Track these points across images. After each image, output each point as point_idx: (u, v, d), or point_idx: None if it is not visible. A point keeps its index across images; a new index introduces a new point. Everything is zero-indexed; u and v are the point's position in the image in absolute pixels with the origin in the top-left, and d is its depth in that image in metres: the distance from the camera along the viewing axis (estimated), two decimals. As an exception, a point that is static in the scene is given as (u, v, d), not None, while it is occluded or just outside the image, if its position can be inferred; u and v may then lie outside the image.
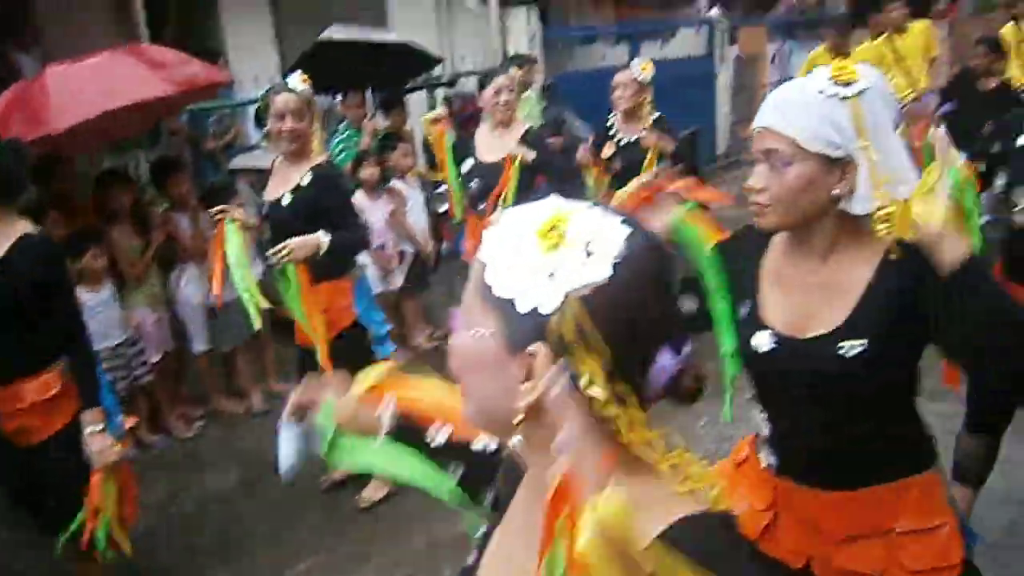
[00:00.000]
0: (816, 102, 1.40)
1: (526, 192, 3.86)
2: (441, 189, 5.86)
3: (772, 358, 1.52)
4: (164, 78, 4.08)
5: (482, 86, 4.05)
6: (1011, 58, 5.72)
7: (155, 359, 4.47)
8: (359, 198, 4.71)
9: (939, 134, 1.91)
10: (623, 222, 0.82)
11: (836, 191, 1.42)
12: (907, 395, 1.56)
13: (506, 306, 0.81)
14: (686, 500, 0.82)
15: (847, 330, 1.45)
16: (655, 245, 0.85)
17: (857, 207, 1.42)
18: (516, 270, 0.81)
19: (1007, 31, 6.16)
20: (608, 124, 4.51)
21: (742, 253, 1.63)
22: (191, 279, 4.60)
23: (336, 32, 5.55)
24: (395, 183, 5.26)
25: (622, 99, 4.34)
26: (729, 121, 10.64)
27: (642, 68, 4.34)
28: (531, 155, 3.89)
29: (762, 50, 11.12)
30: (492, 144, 4.04)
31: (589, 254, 0.79)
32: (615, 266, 0.79)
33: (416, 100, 7.40)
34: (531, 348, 0.80)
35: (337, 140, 5.70)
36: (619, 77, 4.37)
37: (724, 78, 10.81)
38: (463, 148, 4.24)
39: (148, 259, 4.44)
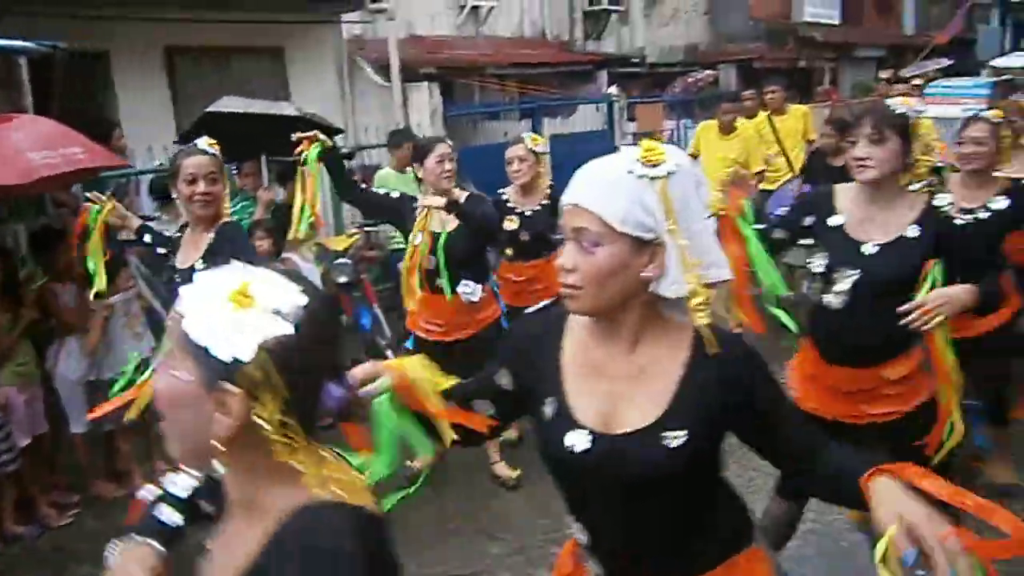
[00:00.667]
0: (625, 182, 1.36)
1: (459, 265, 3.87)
2: (341, 260, 5.80)
3: (588, 458, 1.42)
4: (24, 167, 3.83)
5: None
6: None
7: (24, 442, 4.17)
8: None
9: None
10: (301, 290, 1.05)
11: (646, 273, 1.37)
12: (717, 478, 1.55)
13: (202, 353, 1.00)
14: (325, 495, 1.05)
15: (668, 421, 1.39)
16: (326, 307, 1.09)
17: (668, 290, 1.38)
18: (211, 323, 1.00)
19: None
20: (504, 198, 4.52)
21: (537, 344, 1.53)
22: (70, 354, 4.36)
23: (227, 104, 5.49)
24: (290, 255, 5.16)
25: (520, 172, 4.35)
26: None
27: (533, 140, 4.39)
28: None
29: (659, 127, 11.56)
30: (443, 216, 3.84)
31: (276, 313, 1.01)
32: (296, 324, 1.02)
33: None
34: (226, 387, 1.00)
35: (232, 211, 5.57)
36: (513, 151, 4.38)
37: (624, 153, 11.16)
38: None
39: (15, 335, 4.18)
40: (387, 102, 8.79)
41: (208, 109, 5.48)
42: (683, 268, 1.36)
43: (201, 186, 3.07)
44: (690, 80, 13.67)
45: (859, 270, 2.46)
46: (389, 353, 5.63)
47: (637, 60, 14.78)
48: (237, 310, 1.00)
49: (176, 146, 6.47)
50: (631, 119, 11.45)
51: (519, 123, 10.54)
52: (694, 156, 6.71)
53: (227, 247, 3.05)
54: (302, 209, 3.67)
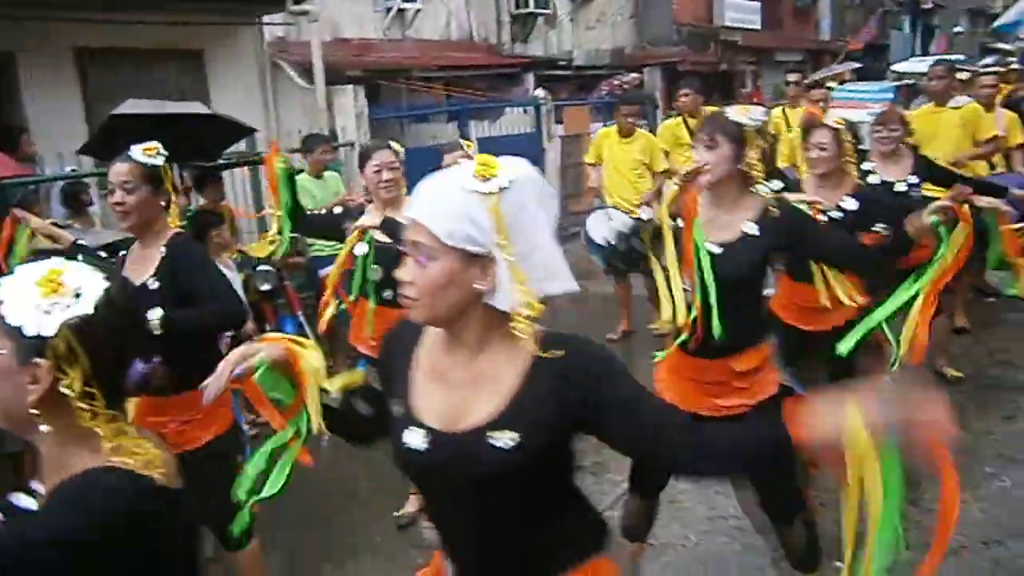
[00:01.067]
0: (457, 197, 1.39)
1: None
2: (263, 267, 5.68)
3: (427, 455, 1.48)
4: None
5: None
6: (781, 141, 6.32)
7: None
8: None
9: None
10: (104, 277, 1.27)
11: (478, 286, 1.41)
12: (563, 484, 1.56)
13: (16, 332, 1.22)
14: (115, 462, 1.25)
15: (499, 422, 1.43)
16: (126, 292, 1.35)
17: (501, 303, 1.42)
18: (22, 306, 1.21)
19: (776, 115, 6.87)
20: None
21: (399, 348, 1.60)
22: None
23: (132, 107, 5.31)
24: (221, 266, 5.03)
25: None
26: (560, 195, 11.05)
27: (468, 146, 4.34)
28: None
29: (586, 129, 11.67)
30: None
31: (78, 296, 1.23)
32: (96, 305, 1.24)
33: (236, 177, 7.22)
34: (36, 360, 1.21)
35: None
36: (450, 158, 4.23)
37: (552, 155, 11.24)
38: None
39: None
40: (311, 105, 8.67)
41: (113, 112, 5.28)
42: (514, 281, 1.40)
43: (116, 196, 2.82)
44: (615, 82, 13.84)
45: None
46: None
47: (564, 63, 14.89)
48: (45, 294, 1.22)
49: (77, 156, 6.27)
50: (559, 121, 11.54)
51: (447, 126, 10.52)
52: (593, 164, 6.73)
53: (183, 264, 2.81)
54: (280, 229, 3.59)
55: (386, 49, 12.12)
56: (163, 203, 2.90)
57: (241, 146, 6.92)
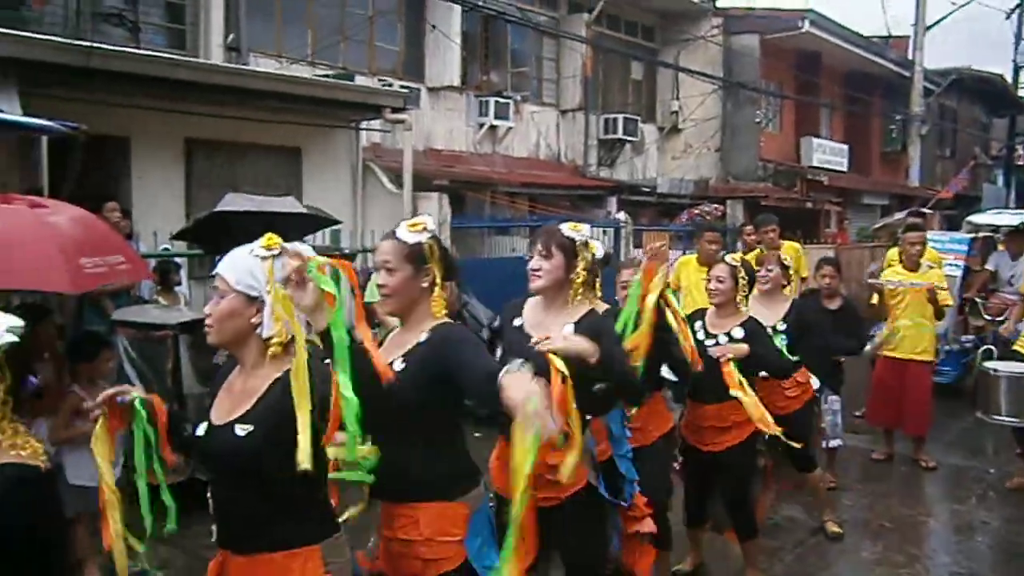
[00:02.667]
0: (248, 259, 2.03)
1: None
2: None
3: (204, 441, 2.08)
4: (75, 275, 3.57)
5: None
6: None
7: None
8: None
9: None
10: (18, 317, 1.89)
11: (254, 320, 2.03)
12: (290, 477, 1.90)
13: None
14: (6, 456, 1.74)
15: (243, 418, 2.01)
16: (26, 331, 1.95)
17: (265, 332, 2.03)
18: None
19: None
20: None
21: (226, 372, 2.19)
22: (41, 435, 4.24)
23: (231, 203, 5.53)
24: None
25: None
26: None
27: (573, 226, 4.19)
28: None
29: (664, 257, 11.66)
30: None
31: (9, 331, 1.79)
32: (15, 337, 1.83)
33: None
34: None
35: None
36: (627, 273, 3.96)
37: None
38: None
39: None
40: (397, 208, 8.92)
41: (216, 209, 5.48)
42: (274, 318, 2.01)
43: (381, 277, 2.51)
44: (696, 212, 13.91)
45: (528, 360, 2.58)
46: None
47: (648, 189, 15.11)
48: None
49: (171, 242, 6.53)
50: (637, 245, 11.58)
51: (526, 239, 10.66)
52: (675, 290, 6.64)
53: (441, 352, 2.40)
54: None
55: (475, 162, 12.53)
56: (424, 286, 2.50)
57: (326, 239, 7.12)
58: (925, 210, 13.80)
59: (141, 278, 4.89)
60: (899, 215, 13.88)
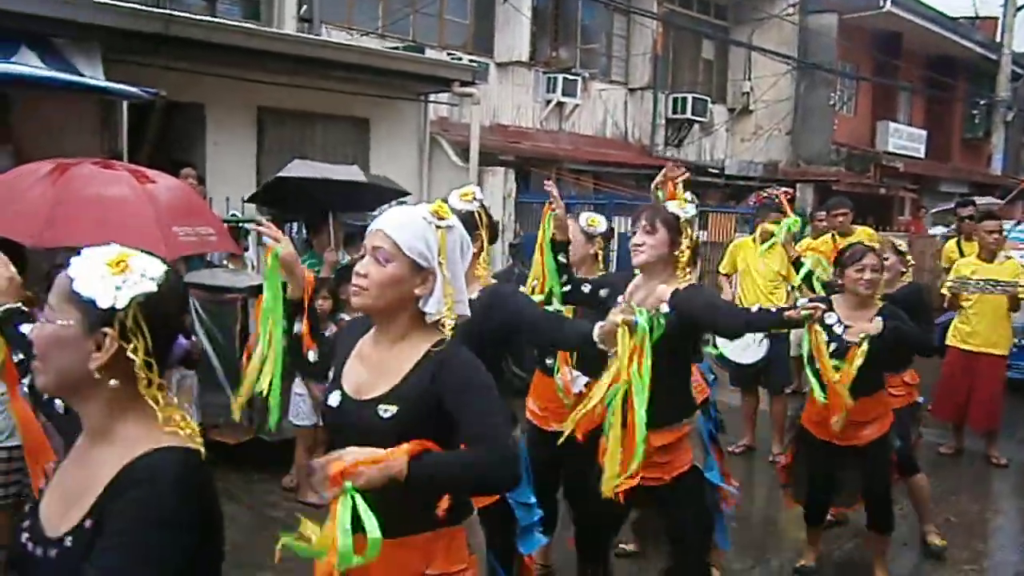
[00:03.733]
0: (418, 223, 1.85)
1: None
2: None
3: (337, 411, 1.91)
4: (172, 242, 3.74)
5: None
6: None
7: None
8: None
9: None
10: (163, 263, 1.38)
11: (417, 291, 1.84)
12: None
13: (87, 303, 1.31)
14: (171, 437, 1.35)
15: (386, 397, 1.83)
16: (179, 276, 1.46)
17: (430, 308, 1.85)
18: (95, 281, 1.32)
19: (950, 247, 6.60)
20: None
21: (352, 334, 2.03)
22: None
23: (296, 169, 5.62)
24: (346, 316, 5.17)
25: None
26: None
27: (590, 222, 3.89)
28: None
29: (731, 238, 11.47)
30: None
31: (143, 275, 1.34)
32: (159, 285, 1.34)
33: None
34: (104, 330, 1.31)
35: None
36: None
37: (692, 259, 11.08)
38: None
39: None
40: (462, 182, 8.95)
41: (279, 175, 5.61)
42: (444, 294, 1.85)
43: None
44: (764, 194, 13.62)
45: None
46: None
47: (716, 171, 14.85)
48: (117, 274, 1.32)
49: (244, 204, 6.68)
50: (702, 228, 11.40)
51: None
52: (727, 275, 6.49)
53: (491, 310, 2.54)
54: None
55: (541, 139, 12.48)
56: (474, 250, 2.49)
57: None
58: (987, 201, 13.33)
59: (228, 249, 5.03)
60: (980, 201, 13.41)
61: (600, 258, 3.82)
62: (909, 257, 4.49)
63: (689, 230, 2.89)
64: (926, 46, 18.56)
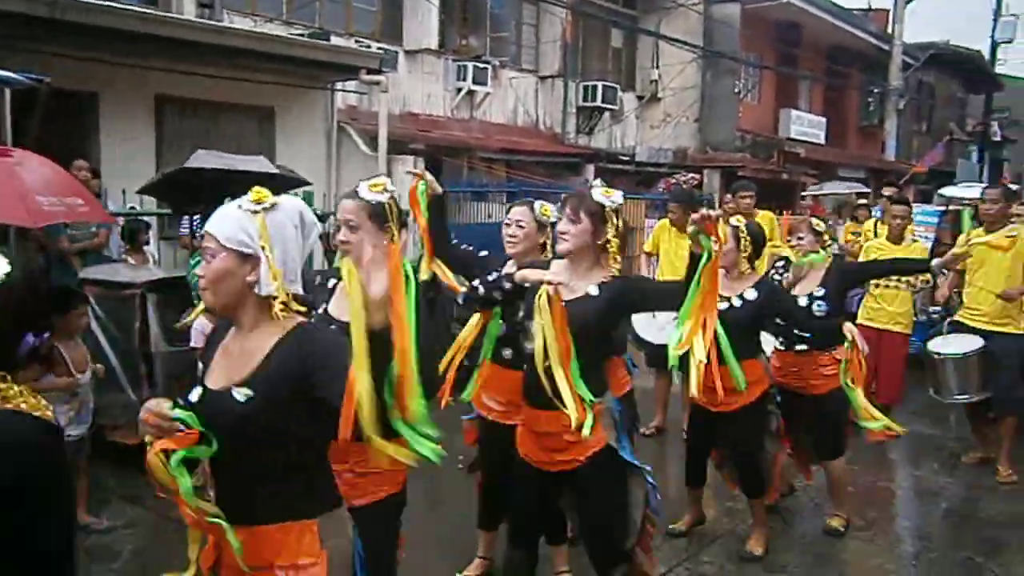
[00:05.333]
0: (234, 213, 1.89)
1: None
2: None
3: (197, 405, 1.89)
4: (34, 209, 3.78)
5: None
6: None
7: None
8: (204, 321, 4.46)
9: None
10: (7, 263, 1.51)
11: (249, 278, 1.88)
12: (291, 447, 1.89)
13: None
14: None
15: (243, 383, 1.86)
16: (35, 275, 1.92)
17: (263, 291, 1.88)
18: None
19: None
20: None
21: (215, 338, 2.06)
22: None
23: (200, 160, 5.46)
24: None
25: (515, 239, 3.57)
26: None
27: (542, 211, 3.62)
28: None
29: (640, 223, 11.70)
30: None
31: None
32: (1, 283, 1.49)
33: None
34: None
35: (194, 261, 5.52)
36: (513, 214, 3.63)
37: (604, 245, 11.24)
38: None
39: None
40: (372, 171, 8.84)
41: (184, 165, 5.43)
42: (272, 276, 1.87)
43: (341, 233, 2.69)
44: (673, 181, 13.92)
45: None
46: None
47: (626, 158, 15.08)
48: None
49: (140, 196, 6.45)
50: (613, 213, 11.56)
51: (503, 206, 10.63)
52: (649, 254, 6.72)
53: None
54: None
55: (452, 127, 12.43)
56: (386, 242, 2.62)
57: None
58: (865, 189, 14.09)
59: (99, 219, 4.87)
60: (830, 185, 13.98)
61: (549, 247, 3.69)
62: (827, 237, 4.65)
63: (615, 218, 2.87)
64: (824, 36, 19.25)
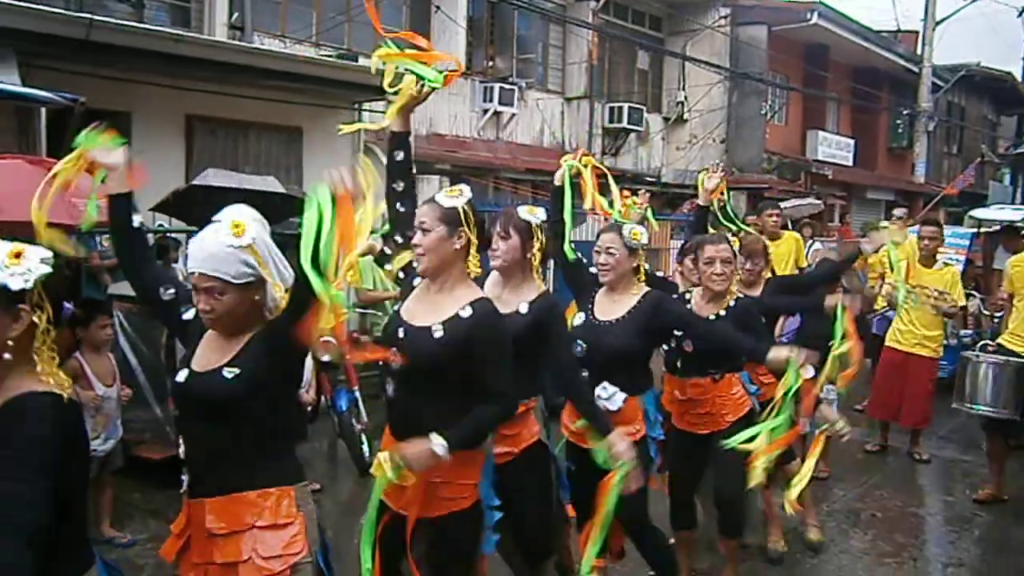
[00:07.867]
0: (232, 253, 2.07)
1: None
2: (326, 338, 5.70)
3: (184, 385, 2.16)
4: (73, 212, 3.89)
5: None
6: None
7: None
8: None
9: None
10: (48, 250, 1.77)
11: (257, 298, 2.12)
12: (268, 421, 2.13)
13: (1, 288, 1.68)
14: (45, 385, 1.72)
15: (230, 363, 2.11)
16: (63, 259, 1.87)
17: (270, 303, 2.16)
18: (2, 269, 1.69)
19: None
20: None
21: (197, 329, 2.28)
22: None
23: (210, 178, 5.53)
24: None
25: (607, 267, 3.48)
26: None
27: (633, 235, 3.44)
28: None
29: (666, 245, 11.66)
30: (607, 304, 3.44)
31: (42, 261, 1.72)
32: (52, 267, 1.74)
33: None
34: (20, 306, 1.69)
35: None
36: (603, 240, 3.52)
37: (628, 266, 11.21)
38: None
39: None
40: (398, 191, 8.91)
41: (193, 183, 5.50)
42: (275, 291, 2.15)
43: (416, 237, 2.62)
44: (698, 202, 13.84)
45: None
46: (363, 438, 5.47)
47: (652, 179, 15.05)
48: (12, 264, 1.69)
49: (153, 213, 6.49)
50: (638, 233, 11.53)
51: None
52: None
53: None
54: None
55: (478, 148, 12.49)
56: (458, 248, 2.61)
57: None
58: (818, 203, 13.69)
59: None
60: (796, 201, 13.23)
61: (642, 271, 3.56)
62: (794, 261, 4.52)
63: (540, 234, 2.99)
64: (852, 58, 19.16)
